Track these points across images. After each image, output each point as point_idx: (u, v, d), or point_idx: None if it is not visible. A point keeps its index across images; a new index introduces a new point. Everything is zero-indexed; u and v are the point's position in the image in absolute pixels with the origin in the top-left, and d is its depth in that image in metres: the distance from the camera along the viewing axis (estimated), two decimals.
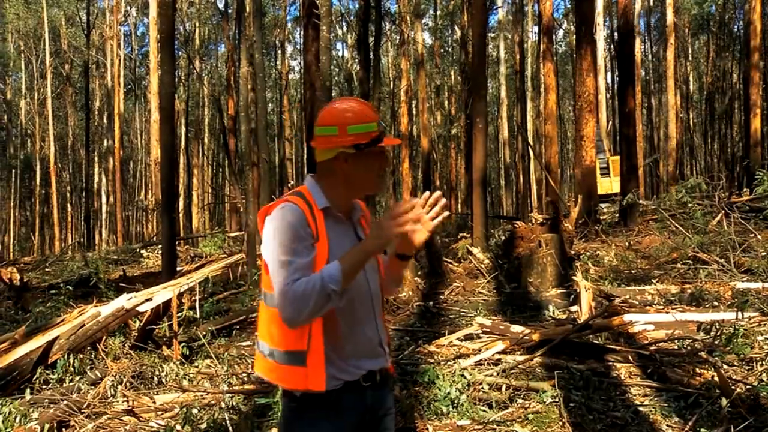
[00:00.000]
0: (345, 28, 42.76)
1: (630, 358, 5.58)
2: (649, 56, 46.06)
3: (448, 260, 11.59)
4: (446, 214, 2.08)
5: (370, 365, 2.13)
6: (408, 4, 28.79)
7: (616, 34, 28.25)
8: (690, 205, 11.68)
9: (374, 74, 18.29)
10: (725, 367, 5.29)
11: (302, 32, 23.64)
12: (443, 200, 2.03)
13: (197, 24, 41.89)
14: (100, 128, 44.71)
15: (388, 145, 2.15)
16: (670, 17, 31.56)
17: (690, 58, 47.32)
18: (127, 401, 5.14)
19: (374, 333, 2.17)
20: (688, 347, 5.85)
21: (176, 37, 25.27)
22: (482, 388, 5.05)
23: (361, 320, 2.13)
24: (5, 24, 42.67)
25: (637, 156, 17.46)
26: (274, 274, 2.02)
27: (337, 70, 42.31)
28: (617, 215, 18.01)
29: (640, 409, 4.60)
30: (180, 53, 38.60)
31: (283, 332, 2.04)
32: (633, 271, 10.52)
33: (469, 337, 6.71)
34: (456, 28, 42.20)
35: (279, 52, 45.75)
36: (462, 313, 8.65)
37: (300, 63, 43.65)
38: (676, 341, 6.05)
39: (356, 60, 34.88)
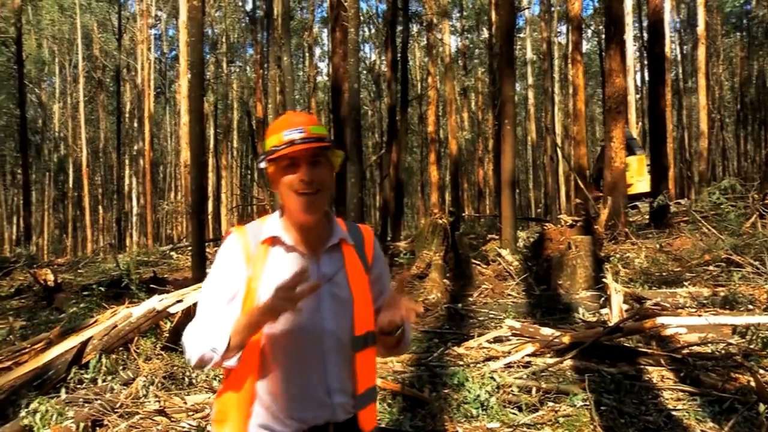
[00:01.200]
0: (372, 30, 42.81)
1: (662, 362, 5.52)
2: (679, 56, 45.47)
3: (477, 262, 11.55)
4: (415, 312, 1.83)
5: (313, 418, 1.85)
6: (435, 6, 28.75)
7: (645, 33, 27.97)
8: (723, 206, 11.49)
9: (402, 76, 18.29)
10: (761, 371, 5.20)
11: (329, 35, 23.71)
12: (416, 309, 1.82)
13: (225, 27, 42.28)
14: (130, 131, 45.31)
15: (285, 155, 1.83)
16: (701, 15, 31.10)
17: (722, 57, 46.63)
18: (159, 401, 5.20)
19: (320, 380, 1.86)
20: (723, 351, 5.76)
21: (204, 41, 25.52)
22: (512, 390, 5.03)
23: (302, 366, 1.85)
24: (41, 30, 43.45)
25: (667, 156, 17.23)
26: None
27: (365, 72, 42.40)
28: (647, 217, 17.80)
29: (674, 413, 4.54)
30: (208, 57, 38.98)
31: (225, 371, 1.90)
32: (664, 274, 10.39)
33: (498, 340, 6.68)
34: (483, 29, 42.08)
35: (306, 54, 45.95)
36: (491, 316, 8.61)
37: (327, 65, 43.82)
38: (709, 345, 5.97)
39: (383, 62, 34.93)
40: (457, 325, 8.19)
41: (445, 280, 10.10)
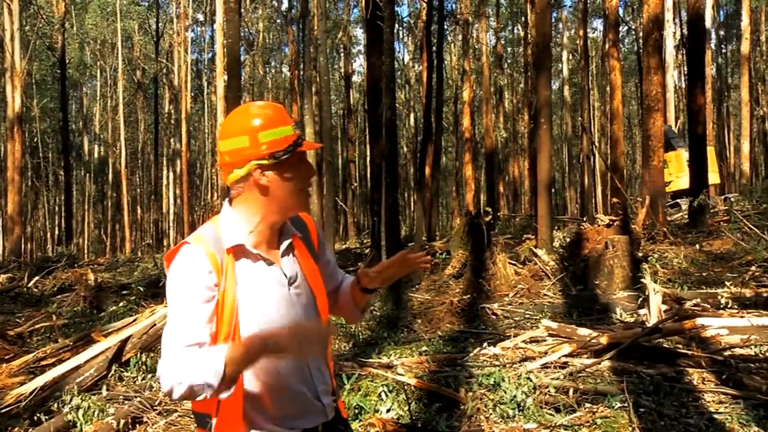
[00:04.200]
0: (407, 30, 42.82)
1: (703, 364, 5.41)
2: (719, 52, 44.57)
3: (513, 262, 11.47)
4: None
5: (305, 423, 1.83)
6: (470, 5, 28.66)
7: (685, 29, 27.48)
8: (766, 205, 11.25)
9: (438, 76, 18.25)
10: None
11: (364, 34, 23.74)
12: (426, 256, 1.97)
13: (261, 28, 42.65)
14: (168, 132, 45.97)
15: (309, 149, 1.84)
16: (745, 10, 30.40)
17: (765, 54, 45.60)
18: None
19: (309, 386, 1.84)
20: (767, 353, 5.64)
21: (240, 42, 25.81)
22: (549, 391, 4.98)
23: (291, 374, 1.80)
24: (83, 34, 44.37)
25: (706, 155, 16.84)
26: (165, 331, 1.73)
27: (399, 72, 42.42)
28: (687, 216, 17.48)
29: (716, 416, 4.45)
30: (244, 58, 39.38)
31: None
32: (704, 274, 10.20)
33: (534, 340, 6.62)
34: (519, 27, 41.80)
35: (342, 54, 46.15)
36: (527, 316, 8.56)
37: (362, 65, 43.95)
38: (752, 347, 5.84)
39: (417, 61, 34.89)
40: (492, 326, 8.16)
41: (480, 280, 10.05)
